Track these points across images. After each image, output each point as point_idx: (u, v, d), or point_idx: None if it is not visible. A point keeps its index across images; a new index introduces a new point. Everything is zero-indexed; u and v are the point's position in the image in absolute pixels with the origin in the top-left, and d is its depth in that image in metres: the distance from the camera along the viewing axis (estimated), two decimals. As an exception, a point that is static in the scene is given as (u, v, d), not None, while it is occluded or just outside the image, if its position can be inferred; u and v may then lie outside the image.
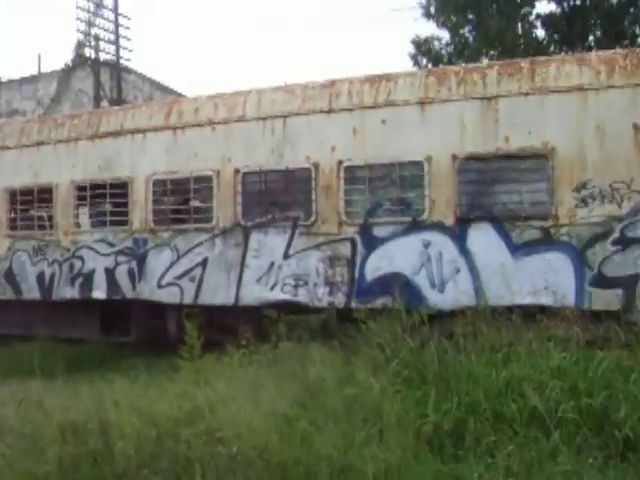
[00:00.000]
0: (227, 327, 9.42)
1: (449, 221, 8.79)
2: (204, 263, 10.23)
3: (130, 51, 32.53)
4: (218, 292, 10.08)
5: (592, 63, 8.65)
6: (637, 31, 22.44)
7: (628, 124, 8.28)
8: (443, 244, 8.78)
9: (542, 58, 9.54)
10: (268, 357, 7.84)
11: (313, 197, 9.50)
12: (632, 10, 22.16)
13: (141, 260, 10.71)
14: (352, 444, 5.71)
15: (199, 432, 5.84)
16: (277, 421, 6.04)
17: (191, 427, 5.93)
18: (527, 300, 8.34)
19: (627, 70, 8.43)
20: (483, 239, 8.62)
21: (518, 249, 8.48)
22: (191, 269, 10.31)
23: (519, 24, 23.28)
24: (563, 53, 20.13)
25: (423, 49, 23.57)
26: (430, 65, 22.51)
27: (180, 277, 10.38)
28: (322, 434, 5.81)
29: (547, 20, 23.11)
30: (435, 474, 5.55)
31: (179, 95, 28.78)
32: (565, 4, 22.89)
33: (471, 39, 23.34)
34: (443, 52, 23.60)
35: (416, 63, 23.57)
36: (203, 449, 5.68)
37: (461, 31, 23.43)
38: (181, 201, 11.21)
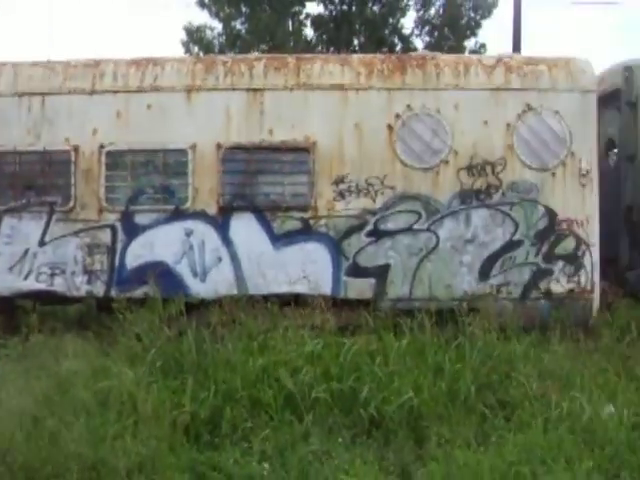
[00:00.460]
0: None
1: (212, 210, 8.77)
2: (-51, 250, 9.29)
3: None
4: (-35, 282, 9.21)
5: (353, 64, 9.07)
6: (396, 40, 24.04)
7: (383, 124, 8.81)
8: (205, 233, 8.74)
9: (308, 55, 9.85)
10: (17, 351, 7.36)
11: (72, 181, 8.98)
12: (391, 20, 23.71)
13: None
14: (104, 439, 5.52)
15: None
16: (23, 420, 5.68)
17: None
18: (286, 289, 8.59)
19: (384, 74, 8.96)
20: (245, 229, 8.72)
21: (279, 239, 8.69)
22: None
23: (290, 21, 23.92)
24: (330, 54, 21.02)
25: (195, 37, 23.38)
26: (202, 54, 22.35)
27: None
28: (72, 431, 5.56)
29: (316, 21, 23.97)
30: (190, 463, 5.53)
31: None
32: (332, 8, 23.91)
33: (243, 32, 23.57)
34: (215, 42, 23.57)
35: (188, 51, 23.32)
36: None
37: (233, 23, 23.57)
38: None
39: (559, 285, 8.84)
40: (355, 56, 9.82)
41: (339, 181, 8.73)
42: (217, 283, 8.67)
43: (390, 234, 8.69)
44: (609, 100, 10.26)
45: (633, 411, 6.17)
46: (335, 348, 6.85)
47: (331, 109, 8.86)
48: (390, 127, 8.78)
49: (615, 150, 10.73)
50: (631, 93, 10.01)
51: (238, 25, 23.85)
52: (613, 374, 6.99)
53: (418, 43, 24.29)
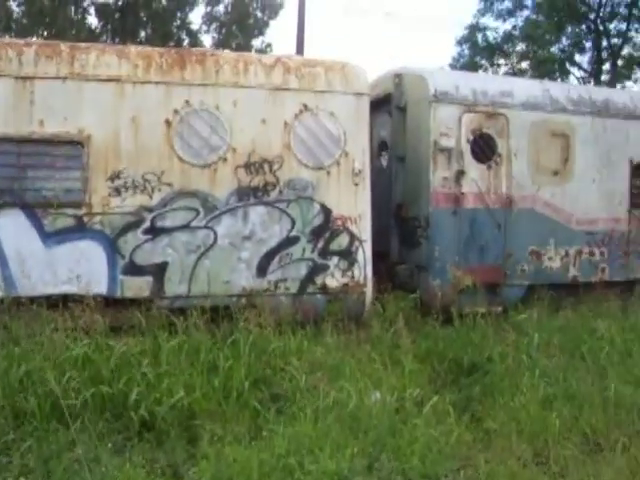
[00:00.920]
0: None
1: (-25, 206, 8.12)
2: None
3: None
4: None
5: (131, 57, 8.80)
6: (184, 35, 23.82)
7: (161, 119, 8.64)
8: (-32, 231, 8.07)
9: (83, 44, 9.38)
10: None
11: None
12: (179, 14, 23.46)
13: None
14: None
15: None
16: None
17: None
18: (58, 289, 8.13)
19: (162, 68, 8.79)
20: (13, 226, 8.09)
21: (50, 237, 8.18)
22: None
23: (72, 8, 22.82)
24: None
25: (-36, 17, 21.61)
26: (-29, 36, 20.68)
27: None
28: None
29: (100, 9, 23.10)
30: None
31: None
32: (119, -3, 23.17)
33: (20, 14, 22.14)
34: (-14, 24, 21.95)
35: (-45, 31, 21.49)
36: None
37: (8, 3, 22.06)
38: None
39: (334, 280, 9.22)
40: (133, 48, 9.49)
41: (115, 177, 8.42)
42: (-18, 284, 8.03)
43: (167, 231, 8.55)
44: (381, 104, 10.88)
45: (397, 396, 6.58)
46: (107, 350, 6.64)
47: (107, 102, 8.52)
48: (168, 122, 8.63)
49: (387, 151, 11.38)
50: (401, 98, 10.68)
51: (14, 6, 22.36)
52: (380, 363, 7.41)
53: (207, 39, 24.28)
